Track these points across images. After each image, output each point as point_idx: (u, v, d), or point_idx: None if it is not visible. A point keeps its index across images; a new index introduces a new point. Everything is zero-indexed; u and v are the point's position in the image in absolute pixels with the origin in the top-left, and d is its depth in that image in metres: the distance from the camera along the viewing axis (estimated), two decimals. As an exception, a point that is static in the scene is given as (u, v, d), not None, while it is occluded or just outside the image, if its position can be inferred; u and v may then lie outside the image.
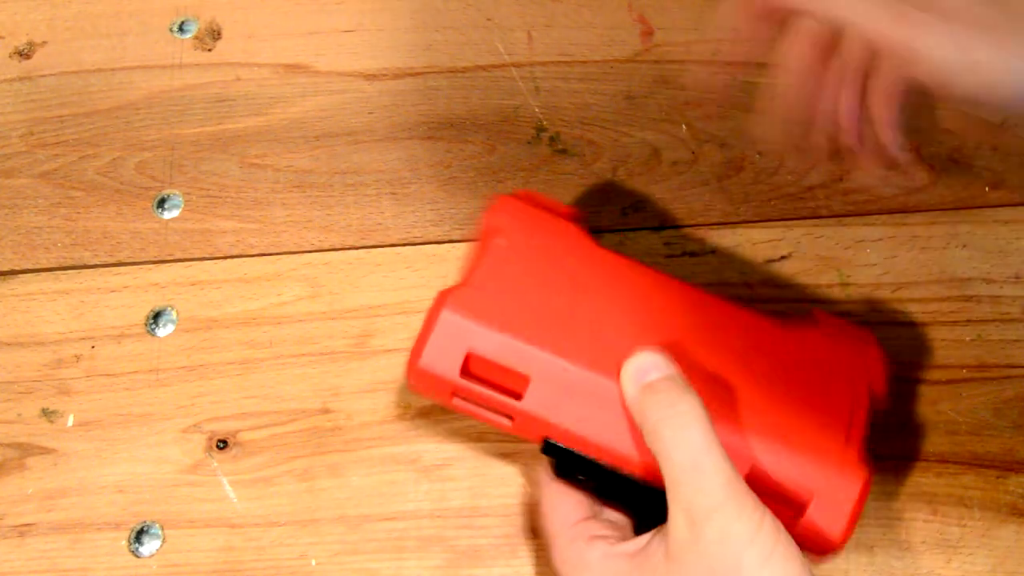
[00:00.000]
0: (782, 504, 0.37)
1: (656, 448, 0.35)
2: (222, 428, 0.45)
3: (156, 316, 0.48)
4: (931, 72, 0.37)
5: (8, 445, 0.45)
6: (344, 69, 0.56)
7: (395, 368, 0.47)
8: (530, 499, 0.44)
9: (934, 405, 0.46)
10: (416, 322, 0.48)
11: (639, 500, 0.38)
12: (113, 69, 0.56)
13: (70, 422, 0.46)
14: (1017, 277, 0.50)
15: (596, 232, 0.47)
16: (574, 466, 0.38)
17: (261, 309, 0.49)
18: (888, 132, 0.40)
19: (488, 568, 0.43)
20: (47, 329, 0.48)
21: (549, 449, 0.38)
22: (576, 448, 0.38)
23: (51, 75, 0.56)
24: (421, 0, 0.59)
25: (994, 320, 0.49)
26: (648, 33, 0.58)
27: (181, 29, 0.57)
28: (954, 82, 0.37)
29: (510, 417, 0.39)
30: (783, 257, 0.50)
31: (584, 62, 0.56)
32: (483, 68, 0.56)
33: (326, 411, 0.46)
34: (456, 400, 0.39)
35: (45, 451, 0.45)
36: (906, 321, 0.49)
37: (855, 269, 0.50)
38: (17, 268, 0.50)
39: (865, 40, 0.39)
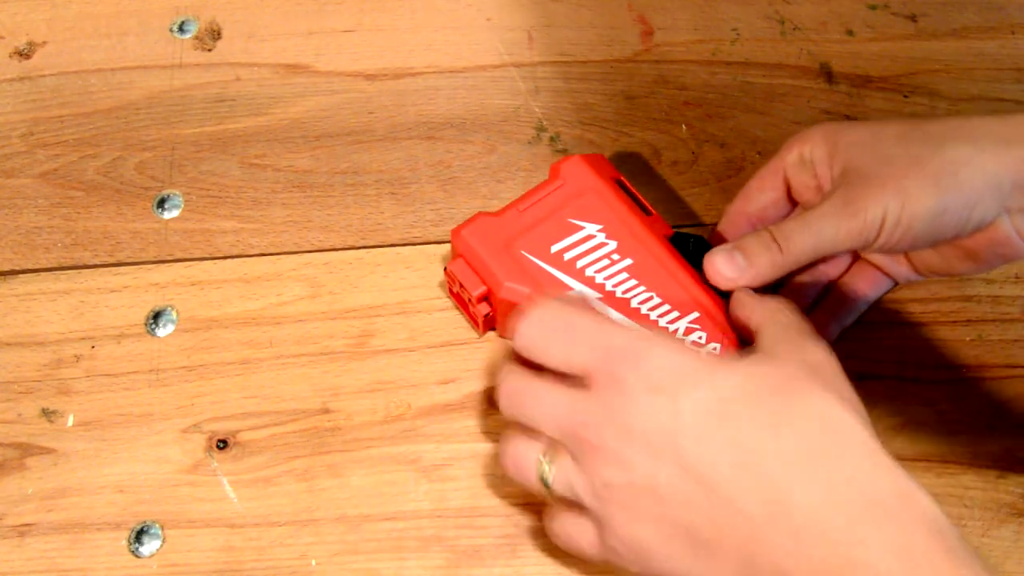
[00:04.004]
0: None
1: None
2: (222, 428, 0.45)
3: (156, 316, 0.48)
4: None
5: (8, 445, 0.45)
6: (344, 69, 0.56)
7: (395, 368, 0.47)
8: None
9: (934, 405, 0.46)
10: (416, 322, 0.48)
11: None
12: (113, 69, 0.56)
13: (70, 422, 0.46)
14: (1017, 277, 0.50)
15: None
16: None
17: (261, 309, 0.49)
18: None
19: (488, 568, 0.43)
20: (47, 329, 0.48)
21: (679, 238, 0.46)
22: None
23: (51, 75, 0.56)
24: (421, 0, 0.59)
25: (994, 320, 0.49)
26: (648, 33, 0.58)
27: (181, 29, 0.57)
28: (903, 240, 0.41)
29: None
30: (783, 257, 0.50)
31: (584, 62, 0.56)
32: (483, 68, 0.56)
33: (326, 411, 0.46)
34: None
35: (45, 451, 0.45)
36: (906, 321, 0.49)
37: (855, 269, 0.50)
38: (17, 268, 0.50)
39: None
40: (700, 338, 0.43)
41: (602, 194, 0.46)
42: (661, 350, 0.36)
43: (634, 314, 0.43)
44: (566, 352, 0.37)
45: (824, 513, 0.32)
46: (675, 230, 0.46)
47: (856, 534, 0.31)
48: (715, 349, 0.42)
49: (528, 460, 0.38)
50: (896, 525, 0.31)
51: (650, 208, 0.47)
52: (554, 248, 0.45)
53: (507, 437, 0.40)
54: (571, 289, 0.44)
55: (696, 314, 0.43)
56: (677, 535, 0.35)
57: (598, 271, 0.44)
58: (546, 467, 0.38)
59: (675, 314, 0.43)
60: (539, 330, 0.38)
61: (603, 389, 0.36)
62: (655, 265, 0.44)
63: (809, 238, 0.41)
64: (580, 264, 0.44)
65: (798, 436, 0.34)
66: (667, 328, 0.43)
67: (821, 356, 0.37)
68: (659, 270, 0.44)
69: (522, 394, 0.39)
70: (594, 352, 0.37)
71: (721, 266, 0.43)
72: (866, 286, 0.47)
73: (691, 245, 0.46)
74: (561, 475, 0.37)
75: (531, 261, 0.45)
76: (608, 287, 0.44)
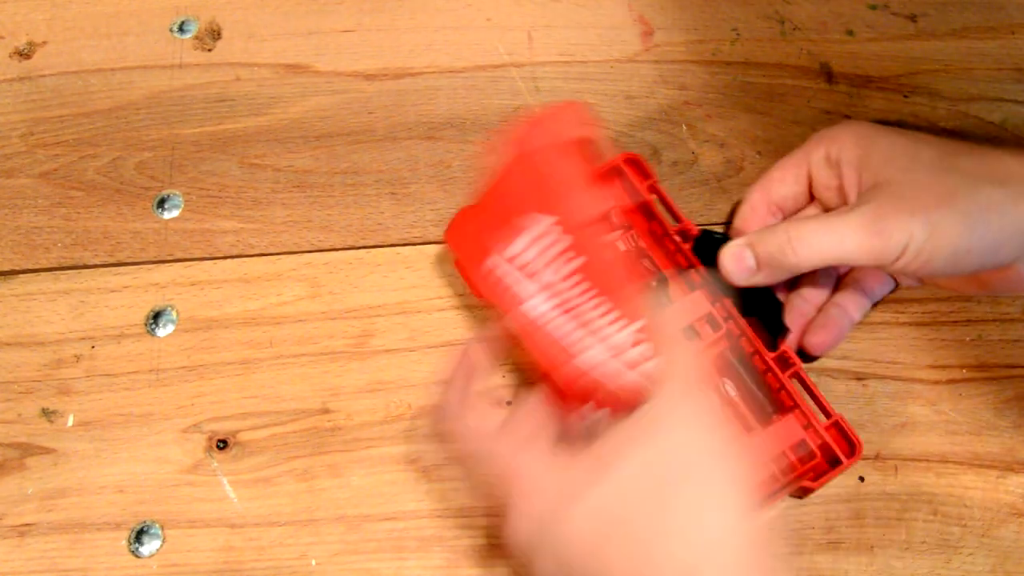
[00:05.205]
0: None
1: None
2: (222, 428, 0.45)
3: (156, 316, 0.48)
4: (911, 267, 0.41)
5: (8, 445, 0.45)
6: (344, 69, 0.56)
7: (395, 368, 0.47)
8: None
9: (934, 405, 0.46)
10: (416, 322, 0.48)
11: None
12: (113, 69, 0.56)
13: (70, 422, 0.46)
14: (1017, 277, 0.50)
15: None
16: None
17: (261, 309, 0.49)
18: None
19: (488, 568, 0.43)
20: (47, 329, 0.48)
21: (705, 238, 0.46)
22: None
23: (51, 75, 0.56)
24: (421, 0, 0.59)
25: (994, 320, 0.49)
26: (648, 33, 0.58)
27: (181, 29, 0.57)
28: (932, 264, 0.41)
29: None
30: (783, 257, 0.50)
31: (584, 62, 0.56)
32: (483, 68, 0.56)
33: (326, 411, 0.46)
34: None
35: (45, 451, 0.45)
36: (906, 321, 0.49)
37: (855, 269, 0.50)
38: (17, 268, 0.50)
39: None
40: (645, 349, 0.40)
41: (563, 178, 0.42)
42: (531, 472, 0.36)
43: (580, 318, 0.41)
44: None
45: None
46: (702, 228, 0.46)
47: None
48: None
49: None
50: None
51: (665, 195, 0.46)
52: (512, 249, 0.42)
53: None
54: (526, 301, 0.41)
55: (643, 322, 0.40)
56: None
57: (552, 272, 0.42)
58: None
59: (623, 322, 0.40)
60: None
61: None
62: (608, 267, 0.42)
63: (828, 246, 0.41)
64: (534, 266, 0.42)
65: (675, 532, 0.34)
66: (613, 335, 0.40)
67: (686, 437, 0.36)
68: (612, 272, 0.41)
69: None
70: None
71: (730, 267, 0.43)
72: (873, 283, 0.47)
73: (717, 244, 0.45)
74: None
75: (496, 266, 0.42)
76: (560, 288, 0.41)
